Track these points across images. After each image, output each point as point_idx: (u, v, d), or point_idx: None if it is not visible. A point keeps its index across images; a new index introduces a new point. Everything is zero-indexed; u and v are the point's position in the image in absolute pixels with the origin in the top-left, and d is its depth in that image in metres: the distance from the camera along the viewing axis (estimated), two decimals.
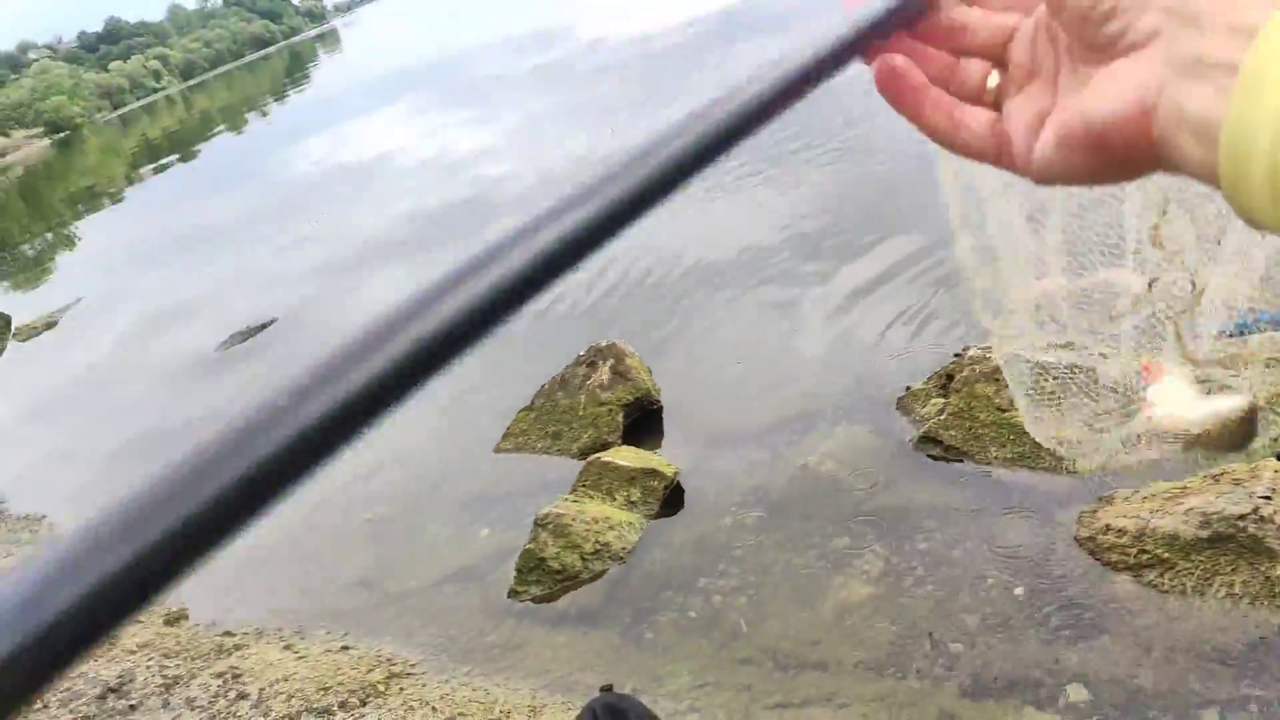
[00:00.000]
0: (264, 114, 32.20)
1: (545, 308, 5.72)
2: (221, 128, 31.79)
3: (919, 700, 2.60)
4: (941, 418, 3.51)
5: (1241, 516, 2.53)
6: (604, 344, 4.41)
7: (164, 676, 3.37)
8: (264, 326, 7.41)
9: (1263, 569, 2.51)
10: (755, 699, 2.81)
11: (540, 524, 3.54)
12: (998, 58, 0.50)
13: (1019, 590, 2.87)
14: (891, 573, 3.11)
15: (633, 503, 3.65)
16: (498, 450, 4.36)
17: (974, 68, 0.50)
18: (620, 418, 4.17)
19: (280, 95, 37.38)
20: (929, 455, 3.50)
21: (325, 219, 10.96)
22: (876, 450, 3.67)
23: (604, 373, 4.29)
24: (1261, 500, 2.60)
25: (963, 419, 3.46)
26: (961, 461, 3.41)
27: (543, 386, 4.46)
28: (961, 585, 2.95)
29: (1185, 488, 2.80)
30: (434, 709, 2.91)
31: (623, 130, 9.36)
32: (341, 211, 11.14)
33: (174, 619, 3.88)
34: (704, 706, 2.84)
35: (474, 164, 10.65)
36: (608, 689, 1.26)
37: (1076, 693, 2.51)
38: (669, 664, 3.04)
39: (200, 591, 4.14)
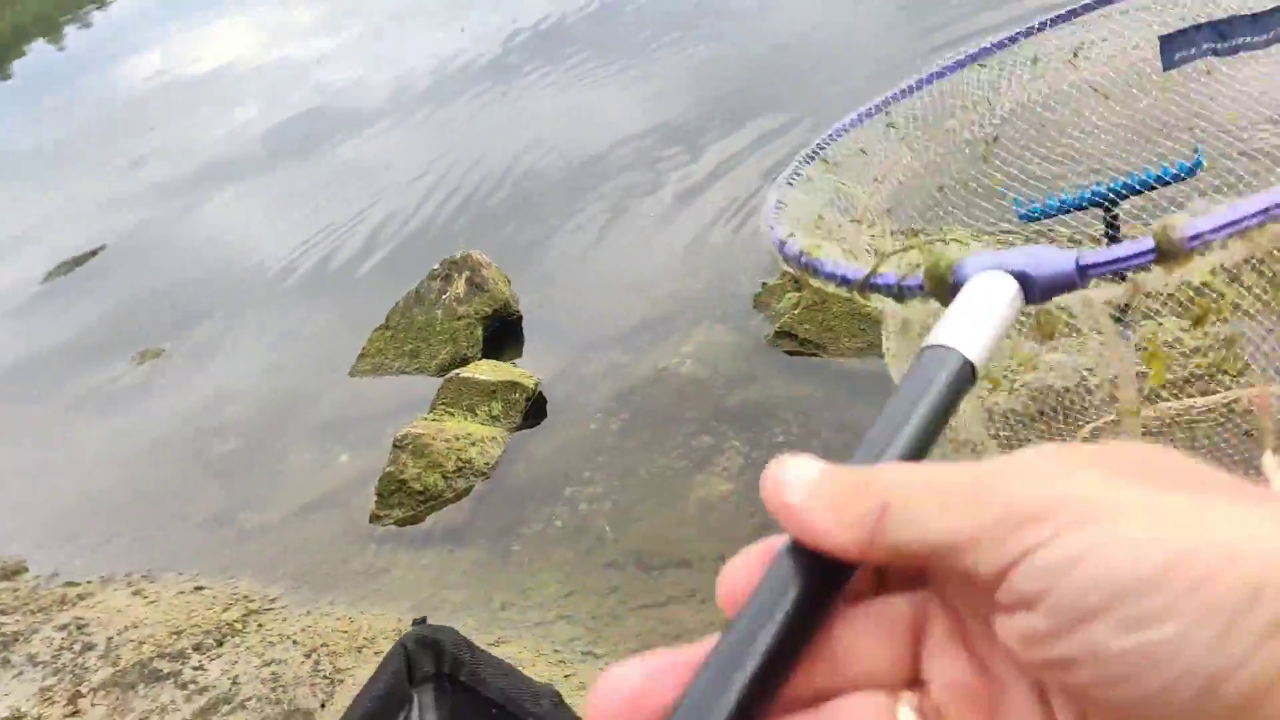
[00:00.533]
0: (85, 24, 29.46)
1: (388, 221, 5.48)
2: (37, 40, 28.98)
3: None
4: (795, 312, 3.55)
5: (1067, 390, 2.65)
6: (458, 255, 4.26)
7: (1, 634, 3.17)
8: (93, 254, 6.89)
9: (1087, 439, 2.64)
10: (622, 601, 2.84)
11: (399, 445, 3.44)
12: (895, 682, 0.30)
13: None
14: (751, 467, 3.16)
15: (494, 417, 3.58)
16: (353, 373, 4.20)
17: (857, 712, 0.30)
18: (479, 331, 4.06)
19: (102, 2, 34.22)
20: (785, 350, 3.54)
21: (159, 136, 10.18)
22: (735, 348, 3.69)
23: (460, 285, 4.16)
24: (1088, 372, 2.73)
25: (816, 312, 3.50)
26: (816, 354, 3.47)
27: (397, 303, 4.30)
28: None
29: (1021, 366, 2.91)
30: (296, 641, 2.83)
31: (475, 30, 8.93)
32: (178, 127, 10.36)
33: (10, 573, 3.65)
34: (572, 613, 2.85)
35: (320, 71, 10.01)
36: (420, 622, 1.20)
37: None
38: (536, 575, 3.04)
39: (39, 541, 3.90)
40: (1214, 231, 0.45)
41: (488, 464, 3.42)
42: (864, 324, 3.39)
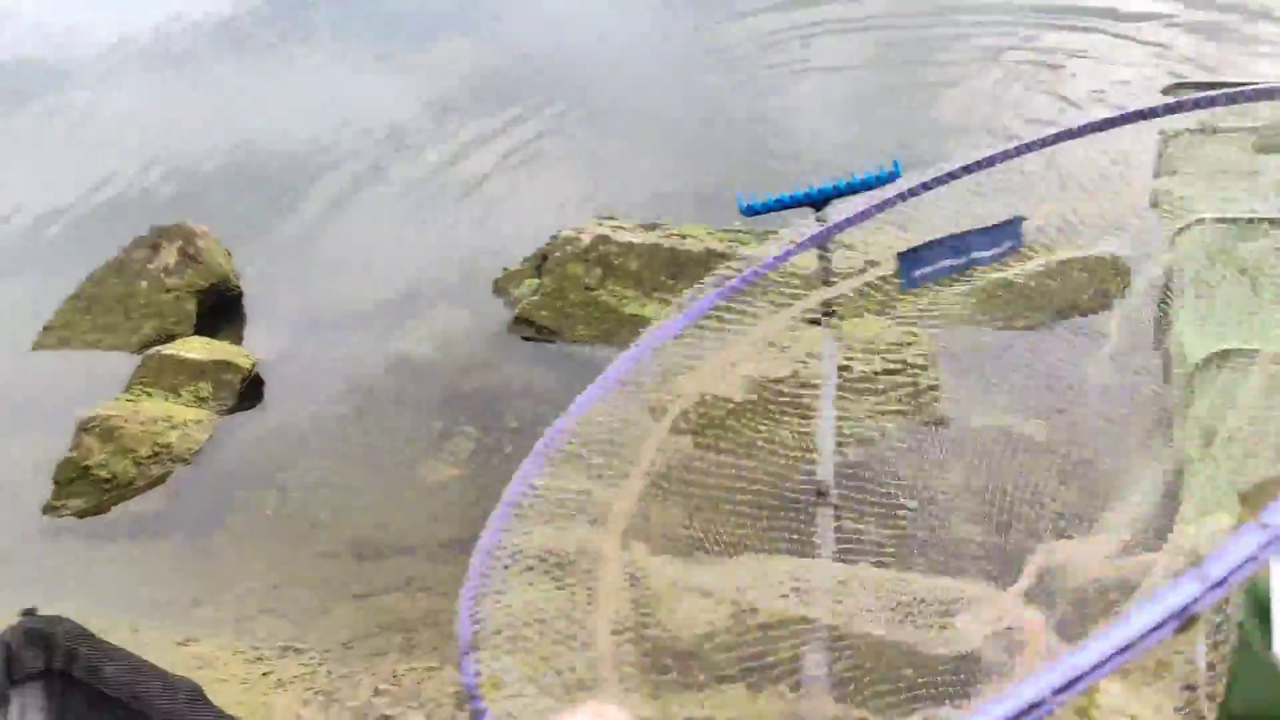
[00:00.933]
0: None
1: (92, 184, 4.91)
2: None
3: None
4: (534, 298, 3.51)
5: (781, 379, 2.78)
6: (170, 224, 3.87)
7: None
8: None
9: (797, 426, 2.78)
10: (333, 592, 2.67)
11: (85, 428, 3.07)
12: None
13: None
14: (481, 452, 3.08)
15: (202, 398, 3.28)
16: (36, 347, 3.69)
17: None
18: (191, 306, 3.71)
19: None
20: (523, 336, 3.50)
21: None
22: (473, 333, 3.60)
23: (170, 255, 3.78)
24: (800, 364, 2.89)
25: (554, 299, 3.49)
26: (553, 341, 3.45)
27: (94, 272, 3.84)
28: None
29: (743, 356, 3.03)
30: None
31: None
32: None
33: None
34: (276, 607, 2.65)
35: (29, 13, 8.87)
36: (30, 613, 1.04)
37: (639, 548, 2.66)
38: (240, 567, 2.80)
39: None
40: None
41: (190, 449, 3.12)
42: (598, 311, 3.41)
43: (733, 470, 2.68)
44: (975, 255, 1.46)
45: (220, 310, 3.83)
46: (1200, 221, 2.05)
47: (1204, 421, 1.49)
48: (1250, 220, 1.97)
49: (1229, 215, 1.97)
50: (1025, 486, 1.88)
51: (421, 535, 2.79)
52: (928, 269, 1.49)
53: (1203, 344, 1.71)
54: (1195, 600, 0.31)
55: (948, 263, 1.46)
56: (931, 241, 1.43)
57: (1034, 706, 0.33)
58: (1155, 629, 0.31)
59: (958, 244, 1.43)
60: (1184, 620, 0.31)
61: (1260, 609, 1.27)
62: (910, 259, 1.45)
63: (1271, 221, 1.90)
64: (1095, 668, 0.32)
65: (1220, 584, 0.31)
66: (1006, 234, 1.40)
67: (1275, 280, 1.86)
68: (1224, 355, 1.57)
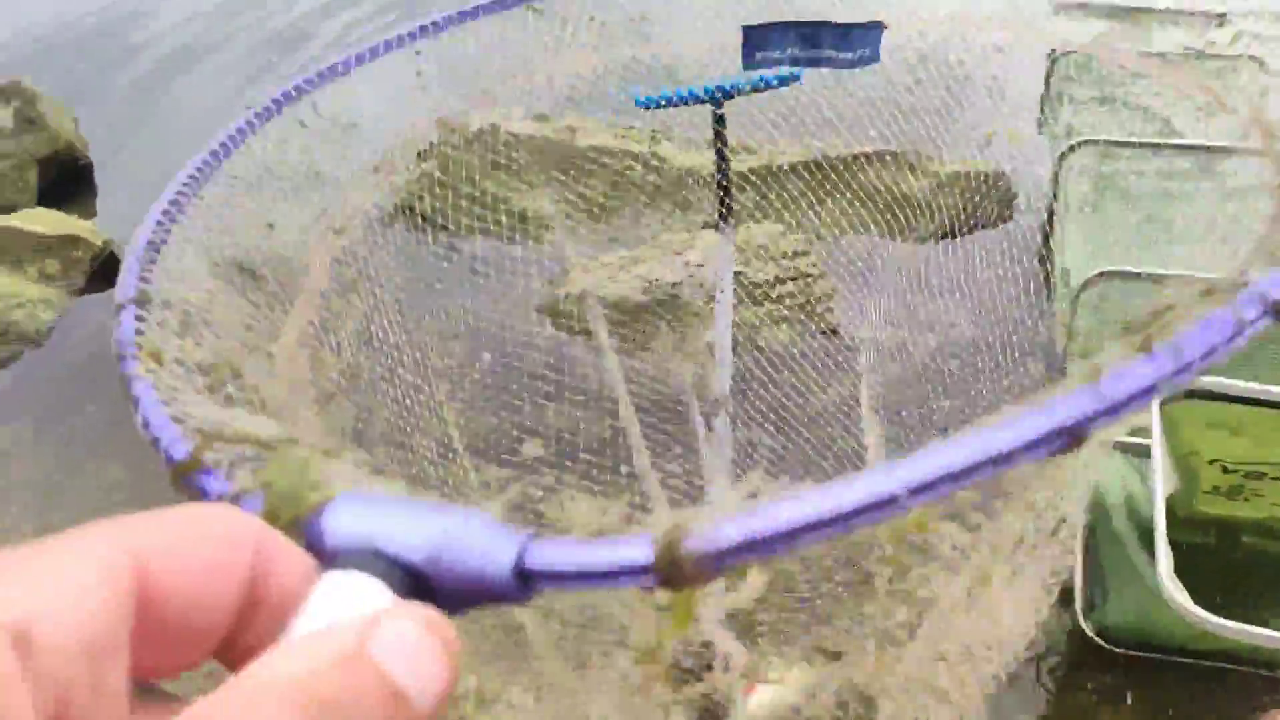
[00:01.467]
0: None
1: None
2: None
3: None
4: (417, 185, 3.36)
5: (677, 283, 2.78)
6: (4, 81, 3.50)
7: None
8: None
9: (691, 328, 2.80)
10: None
11: None
12: None
13: (486, 356, 2.93)
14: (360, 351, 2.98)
15: (50, 276, 3.03)
16: None
17: None
18: (33, 175, 3.39)
19: None
20: (404, 226, 3.36)
21: None
22: (348, 218, 3.43)
23: (6, 118, 3.43)
24: (696, 268, 2.89)
25: (439, 188, 3.35)
26: (437, 232, 3.33)
27: None
28: (425, 361, 2.93)
29: (635, 257, 3.02)
30: None
31: None
32: None
33: None
34: (144, 498, 2.52)
35: None
36: None
37: (531, 449, 2.65)
38: (101, 456, 2.64)
39: None
40: (741, 552, 0.28)
41: (38, 330, 2.89)
42: (488, 203, 3.31)
43: (626, 374, 2.69)
44: (827, 54, 1.39)
45: (66, 182, 3.52)
46: (1086, 143, 2.13)
47: (1086, 340, 1.58)
48: (1132, 144, 2.05)
49: (1113, 138, 2.05)
50: (915, 398, 1.96)
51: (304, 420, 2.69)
52: (773, 53, 1.42)
53: (1086, 263, 1.79)
54: (1088, 418, 0.27)
55: (794, 52, 1.40)
56: (783, 23, 1.35)
57: (887, 502, 0.26)
58: (1040, 441, 0.26)
59: (809, 33, 1.37)
60: (1073, 439, 0.27)
61: (1141, 529, 1.36)
62: (757, 36, 1.38)
63: (1151, 145, 1.99)
64: (966, 471, 0.26)
65: (1115, 408, 0.27)
66: (864, 39, 1.34)
67: (1151, 204, 1.96)
68: (1107, 275, 1.66)
